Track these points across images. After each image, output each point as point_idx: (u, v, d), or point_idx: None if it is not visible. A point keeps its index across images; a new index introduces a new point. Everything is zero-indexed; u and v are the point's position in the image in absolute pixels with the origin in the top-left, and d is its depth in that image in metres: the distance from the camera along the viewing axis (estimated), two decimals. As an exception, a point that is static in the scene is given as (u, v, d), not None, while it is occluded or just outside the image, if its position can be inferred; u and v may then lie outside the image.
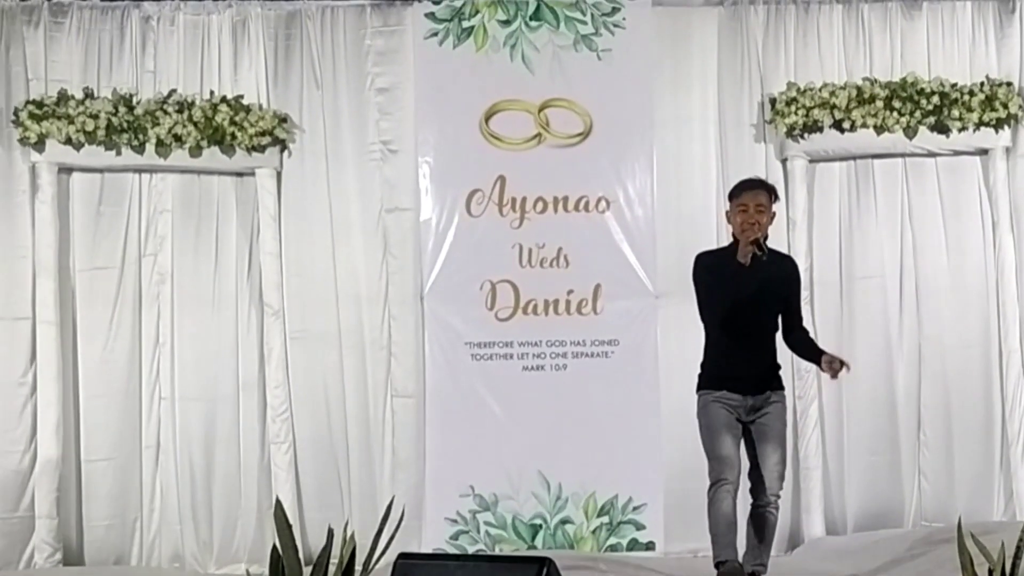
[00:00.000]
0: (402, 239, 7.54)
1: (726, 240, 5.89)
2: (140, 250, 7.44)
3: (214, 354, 7.44)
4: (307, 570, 4.61)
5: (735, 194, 5.60)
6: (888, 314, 7.63)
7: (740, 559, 5.44)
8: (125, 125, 7.28)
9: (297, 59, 7.59)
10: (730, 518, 5.36)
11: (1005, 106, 7.47)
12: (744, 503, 5.51)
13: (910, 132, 7.54)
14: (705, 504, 5.41)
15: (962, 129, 7.52)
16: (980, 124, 7.50)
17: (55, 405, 7.16)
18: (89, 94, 7.34)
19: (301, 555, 4.69)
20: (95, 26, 7.47)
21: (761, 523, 5.47)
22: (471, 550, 7.27)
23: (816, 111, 7.46)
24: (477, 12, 7.57)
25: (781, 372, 5.65)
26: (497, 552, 7.24)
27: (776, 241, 6.13)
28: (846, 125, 7.50)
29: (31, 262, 7.26)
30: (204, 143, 7.35)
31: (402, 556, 4.49)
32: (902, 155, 7.63)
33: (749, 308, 5.44)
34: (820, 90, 7.51)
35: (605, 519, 7.38)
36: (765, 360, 5.54)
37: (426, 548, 7.21)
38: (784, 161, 7.60)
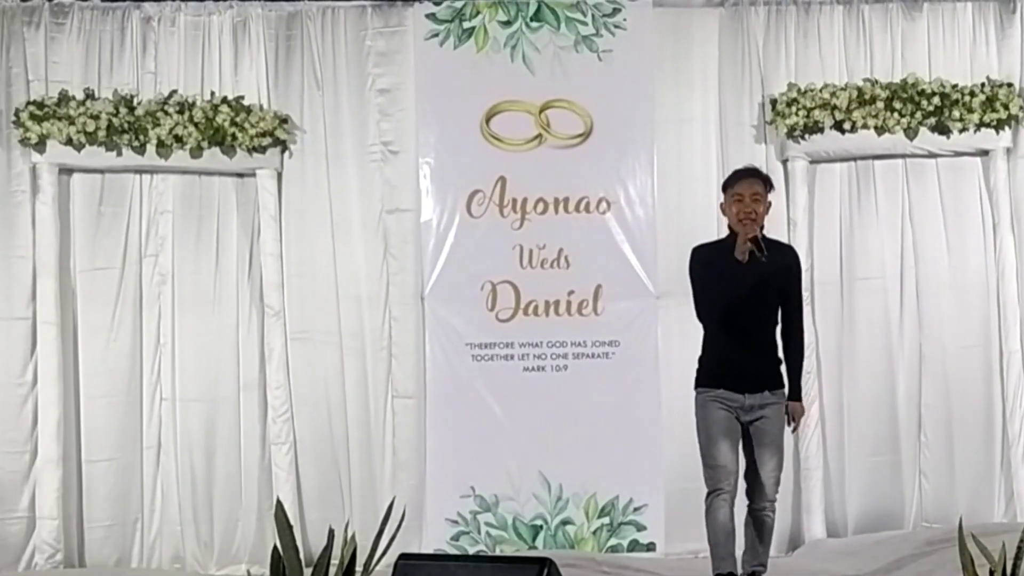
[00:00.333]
0: (403, 240, 7.55)
1: (726, 240, 5.87)
2: (141, 251, 7.44)
3: (215, 355, 7.44)
4: (308, 571, 4.61)
5: (729, 183, 5.53)
6: (889, 315, 7.63)
7: (739, 564, 5.42)
8: (126, 126, 7.28)
9: (298, 60, 7.59)
10: (728, 528, 5.31)
11: (1006, 107, 7.47)
12: (742, 503, 5.48)
13: (911, 133, 7.54)
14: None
15: (963, 130, 7.52)
16: (981, 125, 7.50)
17: (56, 405, 7.16)
18: (90, 95, 7.34)
19: (302, 556, 4.69)
20: (96, 27, 7.47)
21: (759, 525, 5.44)
22: (472, 551, 7.27)
23: (817, 112, 7.46)
24: (478, 13, 7.57)
25: (782, 373, 5.55)
26: (498, 553, 7.24)
27: (777, 242, 6.11)
28: (847, 126, 7.50)
29: (32, 262, 7.26)
30: (205, 144, 7.35)
31: (403, 557, 4.49)
32: (903, 156, 7.63)
33: (747, 305, 5.35)
34: (821, 91, 7.51)
35: (606, 520, 7.38)
36: (764, 357, 5.45)
37: (427, 549, 7.21)
38: (785, 162, 7.60)
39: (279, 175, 7.52)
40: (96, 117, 7.23)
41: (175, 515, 7.35)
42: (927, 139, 7.57)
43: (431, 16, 7.56)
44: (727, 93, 7.63)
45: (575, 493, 7.38)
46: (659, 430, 7.24)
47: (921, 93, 7.49)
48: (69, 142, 7.25)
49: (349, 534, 4.77)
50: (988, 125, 7.50)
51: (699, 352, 5.57)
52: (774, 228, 5.75)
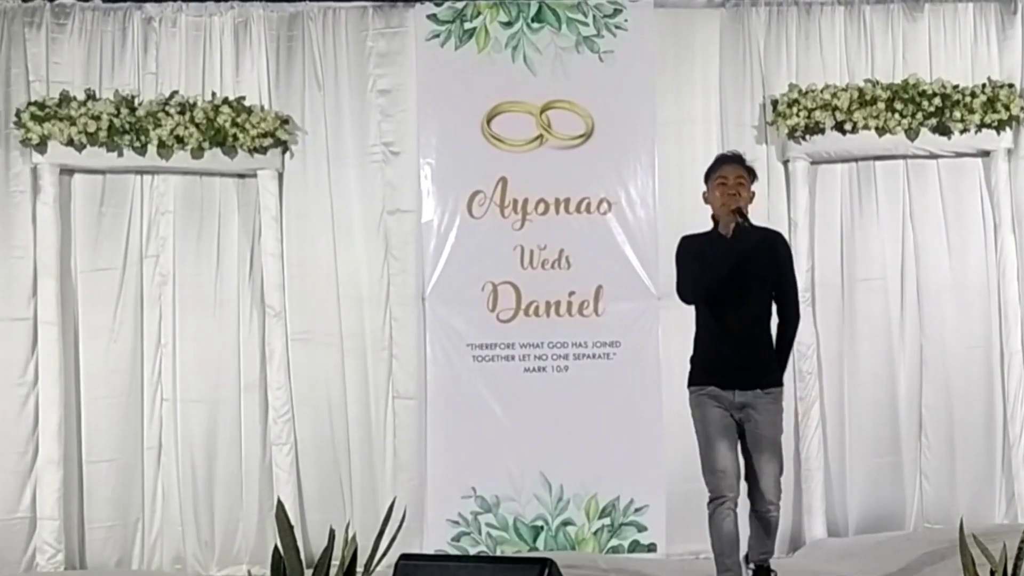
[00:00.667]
0: (404, 240, 7.55)
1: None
2: (142, 251, 7.44)
3: (216, 355, 7.44)
4: (308, 572, 4.62)
5: (712, 170, 5.45)
6: (890, 316, 7.62)
7: (743, 566, 5.40)
8: (127, 126, 7.29)
9: (299, 60, 7.59)
10: (732, 537, 5.24)
11: (1007, 108, 7.47)
12: (744, 501, 5.43)
13: (912, 134, 7.54)
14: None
15: (964, 131, 7.52)
16: (982, 126, 7.50)
17: (56, 406, 7.16)
18: (91, 95, 7.35)
19: (303, 556, 4.69)
20: (97, 27, 7.47)
21: (763, 523, 5.37)
22: (473, 551, 7.27)
23: (818, 113, 7.46)
24: (479, 14, 7.58)
25: (776, 369, 5.42)
26: (499, 553, 7.25)
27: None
28: (848, 127, 7.50)
29: (32, 263, 7.26)
30: (206, 144, 7.35)
31: (403, 557, 4.50)
32: (904, 157, 7.63)
33: (733, 285, 5.23)
34: (822, 92, 7.51)
35: (607, 521, 7.38)
36: (754, 349, 5.31)
37: (428, 549, 7.21)
38: (786, 163, 7.61)
39: (280, 176, 7.52)
40: (97, 118, 7.23)
41: (176, 516, 7.35)
42: (928, 140, 7.57)
43: (432, 17, 7.57)
44: (728, 94, 7.63)
45: (576, 494, 7.38)
46: (660, 431, 7.24)
47: (922, 94, 7.49)
48: (70, 143, 7.25)
49: (350, 535, 4.78)
50: (989, 126, 7.50)
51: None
52: (775, 228, 5.73)
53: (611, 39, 7.57)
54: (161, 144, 7.31)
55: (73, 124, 7.22)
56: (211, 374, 7.43)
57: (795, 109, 7.46)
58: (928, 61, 7.68)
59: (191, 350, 7.42)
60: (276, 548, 4.56)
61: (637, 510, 7.36)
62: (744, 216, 5.24)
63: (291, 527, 4.61)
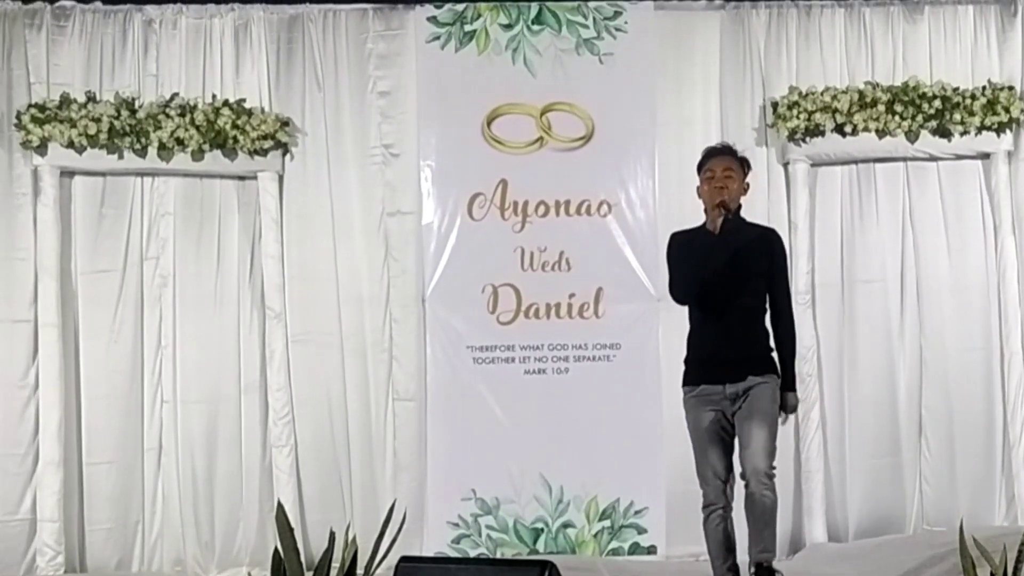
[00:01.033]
0: (404, 242, 7.55)
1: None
2: (142, 253, 7.44)
3: (216, 357, 7.44)
4: (309, 573, 4.62)
5: (701, 163, 5.36)
6: (889, 317, 7.62)
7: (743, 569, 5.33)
8: (127, 128, 7.29)
9: (299, 62, 7.59)
10: (727, 542, 5.17)
11: (1007, 110, 7.47)
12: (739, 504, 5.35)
13: (912, 136, 7.54)
14: None
15: (964, 133, 7.52)
16: (982, 128, 7.50)
17: (57, 407, 7.16)
18: (91, 97, 7.35)
19: (303, 558, 4.69)
20: (97, 29, 7.47)
21: (755, 507, 5.08)
22: (472, 554, 7.27)
23: (818, 115, 7.46)
24: (479, 16, 7.58)
25: (774, 361, 5.29)
26: (499, 556, 7.24)
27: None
28: (848, 129, 7.51)
29: (31, 265, 7.26)
30: (206, 146, 7.35)
31: (404, 560, 4.50)
32: (904, 159, 7.63)
33: (721, 281, 5.13)
34: (822, 94, 7.51)
35: (607, 523, 7.38)
36: (745, 341, 5.20)
37: (427, 552, 7.21)
38: (786, 165, 7.61)
39: (280, 178, 7.53)
40: (97, 120, 7.24)
41: (176, 517, 7.35)
42: (928, 142, 7.57)
43: (432, 19, 7.57)
44: (728, 96, 7.63)
45: (576, 496, 7.38)
46: (660, 433, 7.23)
47: (922, 96, 7.49)
48: (70, 145, 7.25)
49: (350, 536, 4.78)
50: (989, 128, 7.50)
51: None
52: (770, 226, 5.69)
53: (611, 41, 7.57)
54: (161, 146, 7.31)
55: (73, 126, 7.22)
56: (211, 375, 7.43)
57: (795, 111, 7.46)
58: (928, 63, 7.68)
59: (191, 351, 7.42)
60: (276, 550, 4.56)
61: (637, 512, 7.36)
62: (728, 209, 5.15)
63: (291, 529, 4.61)
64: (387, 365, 7.50)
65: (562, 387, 7.41)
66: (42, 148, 7.26)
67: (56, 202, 7.27)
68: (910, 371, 7.60)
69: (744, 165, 5.37)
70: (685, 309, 5.40)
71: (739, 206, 5.31)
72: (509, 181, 7.52)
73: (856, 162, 7.65)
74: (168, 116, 7.32)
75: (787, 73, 7.66)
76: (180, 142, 7.32)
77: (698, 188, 5.39)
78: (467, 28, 7.57)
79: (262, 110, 7.46)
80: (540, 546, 7.36)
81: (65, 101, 7.30)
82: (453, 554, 7.25)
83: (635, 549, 7.34)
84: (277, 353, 7.39)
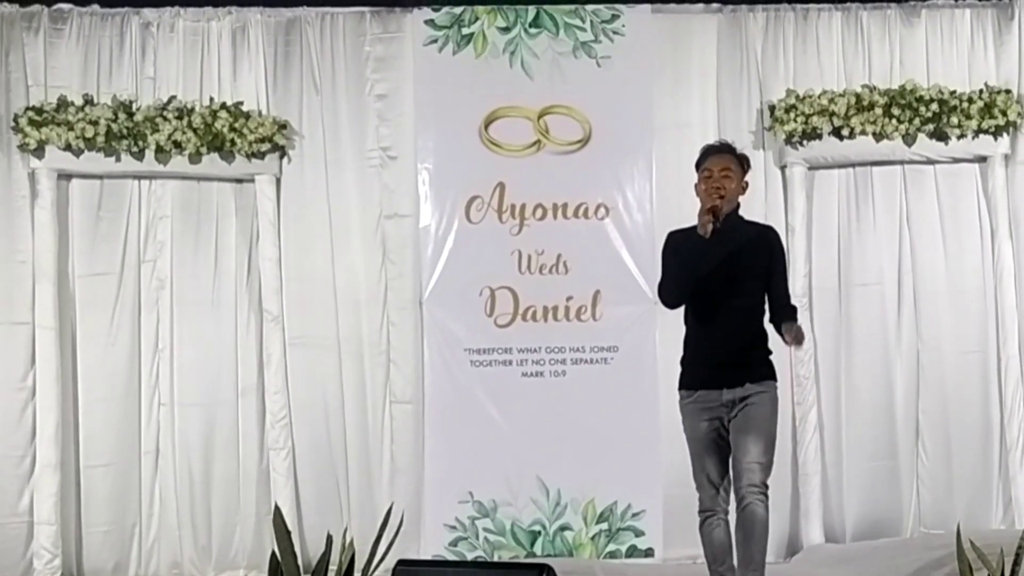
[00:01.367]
0: (401, 245, 7.55)
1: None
2: (139, 256, 7.44)
3: (213, 360, 7.43)
4: (306, 577, 4.62)
5: (699, 162, 5.23)
6: (887, 320, 7.63)
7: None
8: (125, 131, 7.29)
9: (297, 65, 7.59)
10: (723, 545, 5.07)
11: (1004, 113, 7.48)
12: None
13: (909, 139, 7.55)
14: None
15: (961, 136, 7.53)
16: (979, 131, 7.51)
17: (54, 410, 7.15)
18: (89, 100, 7.35)
19: (300, 561, 4.70)
20: (95, 32, 7.46)
21: (746, 522, 4.96)
22: (470, 556, 7.28)
23: (815, 118, 7.47)
24: (477, 19, 7.58)
25: (772, 365, 5.18)
26: (496, 559, 7.25)
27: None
28: (845, 132, 7.51)
29: (31, 267, 7.25)
30: (203, 149, 7.35)
31: (401, 563, 4.50)
32: (901, 162, 7.64)
33: (714, 284, 5.03)
34: (819, 97, 7.52)
35: (604, 525, 7.38)
36: (740, 346, 5.07)
37: (425, 555, 7.21)
38: (783, 168, 7.61)
39: (278, 180, 7.52)
40: (95, 123, 7.23)
41: (173, 520, 7.35)
42: (925, 145, 7.58)
43: (430, 22, 7.57)
44: (725, 99, 7.64)
45: (573, 498, 7.38)
46: (657, 435, 7.23)
47: (919, 99, 7.50)
48: (68, 148, 7.25)
49: (347, 540, 4.79)
50: (986, 131, 7.51)
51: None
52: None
53: (609, 44, 7.57)
54: (159, 149, 7.31)
55: (71, 129, 7.22)
56: (208, 378, 7.43)
57: (792, 114, 7.47)
58: (925, 66, 7.69)
59: (188, 354, 7.42)
60: (273, 553, 4.57)
61: (634, 515, 7.37)
62: (717, 217, 4.99)
63: (288, 532, 4.61)
64: (384, 368, 7.50)
65: (560, 390, 7.42)
66: (39, 151, 7.25)
67: (53, 205, 7.26)
68: (907, 374, 7.60)
69: (743, 163, 5.27)
70: (682, 312, 5.31)
71: (737, 205, 5.22)
72: (507, 184, 7.53)
73: (853, 165, 7.66)
74: (165, 119, 7.31)
75: (784, 76, 7.66)
76: (177, 145, 7.32)
77: (696, 185, 5.27)
78: (465, 31, 7.57)
79: (259, 113, 7.46)
80: (537, 549, 7.36)
81: (62, 104, 7.29)
82: (450, 557, 7.25)
83: (632, 552, 7.34)
84: (274, 356, 7.38)
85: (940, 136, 7.55)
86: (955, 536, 4.63)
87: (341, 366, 7.49)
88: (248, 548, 7.34)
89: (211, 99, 7.45)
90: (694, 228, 5.13)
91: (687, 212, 7.47)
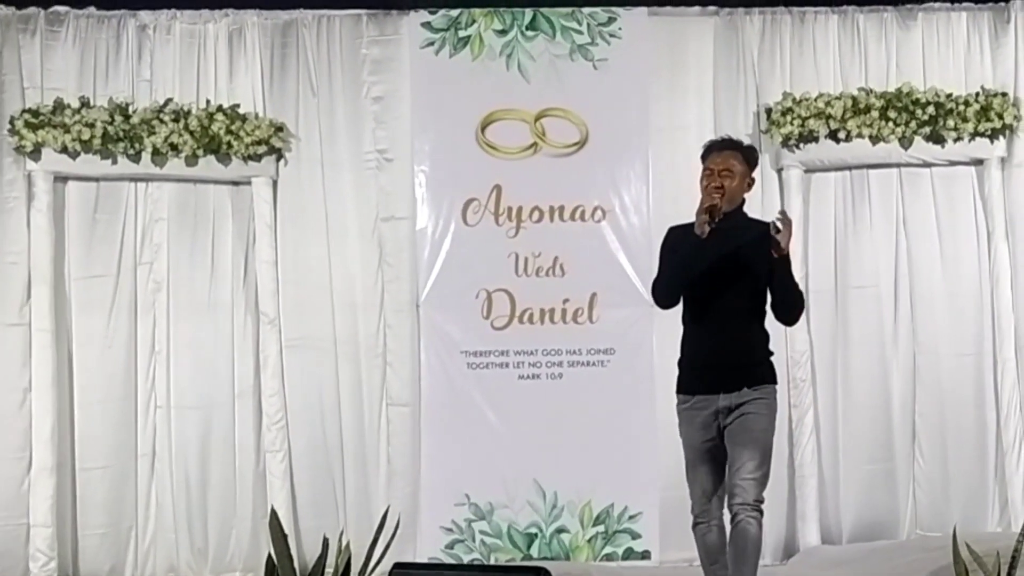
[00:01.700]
0: (398, 248, 7.54)
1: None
2: (136, 258, 7.44)
3: (210, 362, 7.43)
4: (302, 579, 4.62)
5: (703, 157, 5.07)
6: (883, 323, 7.63)
7: None
8: (121, 134, 7.28)
9: (293, 68, 7.59)
10: (718, 547, 4.92)
11: (1000, 116, 7.49)
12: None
13: (905, 142, 7.56)
14: None
15: (957, 139, 7.54)
16: (975, 134, 7.51)
17: (50, 413, 7.14)
18: (85, 103, 7.34)
19: (296, 564, 4.69)
20: (91, 35, 7.46)
21: (739, 539, 4.81)
22: (466, 559, 7.27)
23: (812, 121, 7.47)
24: (473, 21, 7.59)
25: (773, 368, 5.02)
26: (492, 561, 7.24)
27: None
28: (841, 135, 7.52)
29: (26, 269, 7.25)
30: (200, 152, 7.35)
31: (397, 565, 4.49)
32: (897, 165, 7.64)
33: (711, 285, 4.88)
34: (816, 100, 7.52)
35: (601, 528, 7.38)
36: (738, 349, 4.91)
37: (421, 557, 7.20)
38: (780, 171, 7.62)
39: (274, 183, 7.52)
40: (91, 125, 7.23)
41: (169, 523, 7.34)
42: (922, 148, 7.58)
43: (426, 25, 7.57)
44: (722, 102, 7.64)
45: (570, 501, 7.38)
46: (654, 438, 7.23)
47: (916, 102, 7.51)
48: (64, 150, 7.25)
49: (343, 542, 4.78)
50: (982, 134, 7.51)
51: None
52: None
53: (605, 47, 7.58)
54: (155, 151, 7.30)
55: (67, 131, 7.21)
56: (205, 381, 7.42)
57: (789, 117, 7.48)
58: (922, 69, 7.69)
59: (185, 357, 7.42)
60: (270, 556, 4.56)
61: (631, 517, 7.37)
62: (713, 217, 4.81)
63: (284, 535, 4.61)
64: (381, 370, 7.50)
65: (556, 392, 7.42)
66: (36, 153, 7.25)
67: (50, 207, 7.26)
68: (903, 377, 7.60)
69: (749, 158, 5.08)
70: (679, 315, 5.19)
71: (742, 202, 5.04)
72: (503, 187, 7.53)
73: (850, 168, 7.66)
74: (162, 121, 7.31)
75: (781, 79, 7.67)
76: (174, 147, 7.31)
77: (700, 180, 5.05)
78: (461, 34, 7.57)
79: (256, 115, 7.46)
80: (534, 551, 7.36)
81: (59, 106, 7.29)
82: (447, 560, 7.25)
83: (629, 554, 7.34)
84: (271, 358, 7.38)
85: (936, 139, 7.56)
86: (951, 538, 4.63)
87: (338, 368, 7.49)
88: (244, 551, 7.34)
89: (207, 101, 7.45)
90: (694, 225, 4.95)
91: (684, 214, 7.45)
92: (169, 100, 7.41)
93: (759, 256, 4.89)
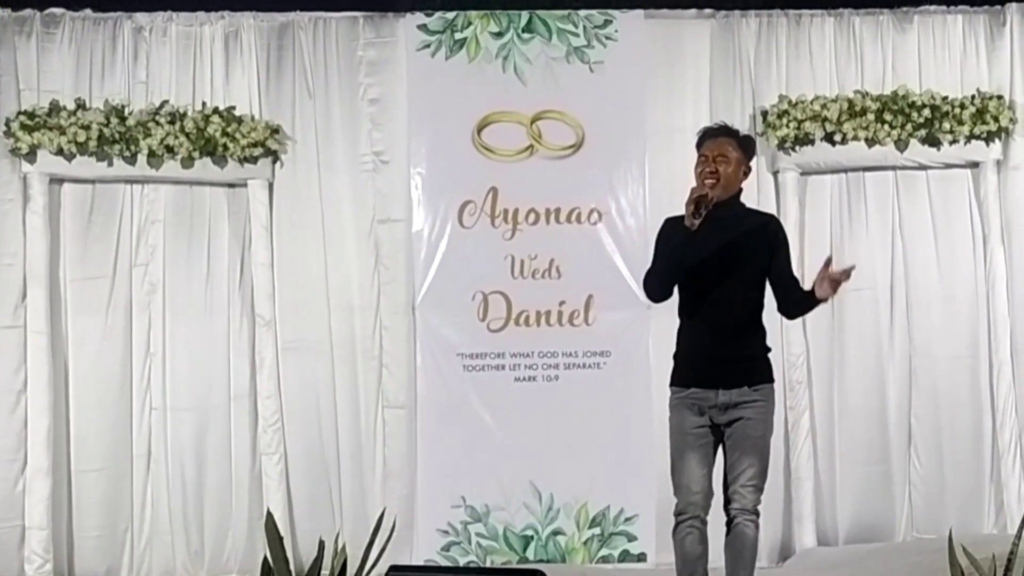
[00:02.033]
0: (394, 250, 7.54)
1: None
2: (131, 260, 7.43)
3: (206, 364, 7.42)
4: (298, 582, 4.61)
5: (698, 144, 4.94)
6: (879, 326, 7.63)
7: None
8: (117, 136, 7.28)
9: (289, 70, 7.59)
10: (694, 554, 4.74)
11: (996, 119, 7.49)
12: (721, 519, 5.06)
13: (901, 145, 7.56)
14: None
15: (953, 142, 7.54)
16: (971, 137, 7.52)
17: (45, 414, 7.14)
18: (81, 105, 7.33)
19: (292, 566, 4.69)
20: (87, 37, 7.45)
21: (737, 543, 4.76)
22: (462, 561, 7.27)
23: (808, 124, 7.47)
24: (469, 24, 7.58)
25: (770, 364, 4.93)
26: (488, 563, 7.24)
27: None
28: (837, 138, 7.52)
29: (21, 271, 7.24)
30: (196, 154, 7.34)
31: (393, 568, 4.49)
32: (893, 168, 7.64)
33: (706, 277, 4.73)
34: (812, 103, 7.53)
35: (597, 530, 7.37)
36: (740, 344, 4.79)
37: (417, 560, 7.21)
38: (776, 174, 7.62)
39: (270, 185, 7.52)
40: (87, 127, 7.22)
41: (165, 525, 7.33)
42: (918, 151, 7.58)
43: (423, 27, 7.57)
44: (718, 104, 7.64)
45: (566, 503, 7.38)
46: (650, 440, 7.21)
47: (911, 105, 7.51)
48: (60, 152, 7.24)
49: (339, 545, 4.78)
50: (978, 137, 7.52)
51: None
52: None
53: (601, 49, 7.58)
54: (151, 153, 7.30)
55: (63, 133, 7.21)
56: (201, 383, 7.42)
57: (785, 120, 7.48)
58: (918, 72, 7.69)
59: (181, 359, 7.41)
60: (265, 558, 4.56)
61: (627, 519, 7.36)
62: (702, 208, 4.61)
63: (280, 537, 4.61)
64: (377, 373, 7.50)
65: (552, 395, 7.41)
66: (31, 155, 7.24)
67: (45, 209, 7.25)
68: (899, 379, 7.61)
69: (745, 146, 4.95)
70: (675, 317, 5.10)
71: (739, 191, 4.93)
72: (499, 189, 7.53)
73: (846, 171, 7.66)
74: (158, 123, 7.31)
75: (777, 82, 7.67)
76: (170, 149, 7.31)
77: (694, 168, 4.93)
78: (457, 36, 7.57)
79: (252, 117, 7.46)
80: (530, 554, 7.35)
81: (55, 108, 7.28)
82: (443, 562, 7.24)
83: (625, 556, 7.34)
84: (267, 361, 7.37)
85: (932, 142, 7.56)
86: (947, 541, 4.63)
87: (334, 371, 7.48)
88: (240, 553, 7.33)
89: (204, 103, 7.45)
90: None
91: (680, 217, 7.52)
92: (165, 102, 7.40)
93: (756, 248, 4.81)
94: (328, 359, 7.48)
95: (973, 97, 7.56)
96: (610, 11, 7.60)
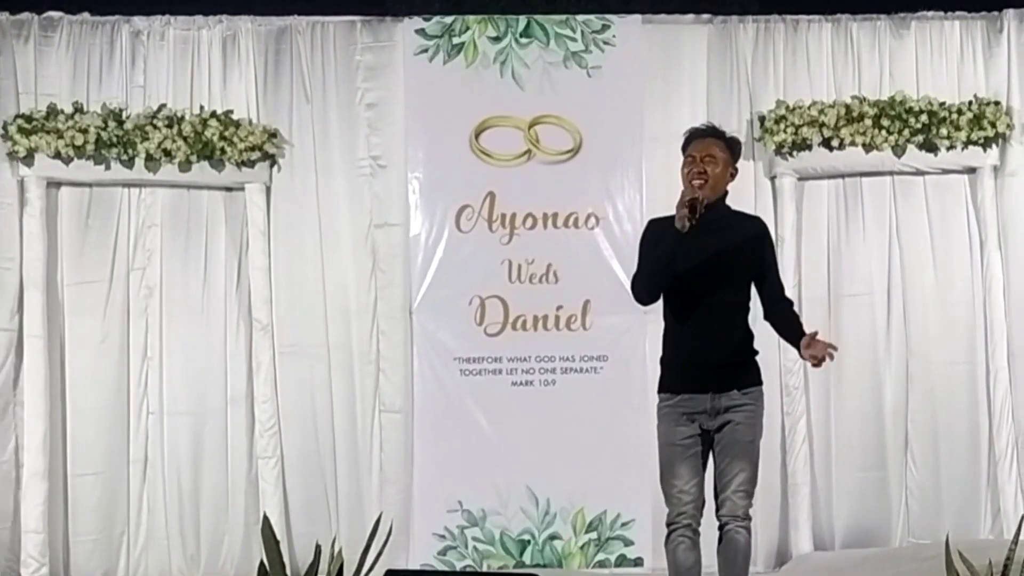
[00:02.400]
0: (391, 254, 7.54)
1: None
2: (129, 264, 7.43)
3: (202, 368, 7.42)
4: (294, 586, 4.61)
5: (684, 146, 4.88)
6: (876, 331, 7.64)
7: None
8: (114, 139, 7.28)
9: (287, 74, 7.59)
10: (686, 564, 4.69)
11: (993, 125, 7.50)
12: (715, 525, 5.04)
13: (898, 150, 7.57)
14: None
15: (950, 148, 7.55)
16: (968, 143, 7.52)
17: (42, 418, 7.13)
18: (78, 108, 7.34)
19: (288, 571, 4.68)
20: (85, 40, 7.46)
21: (729, 549, 4.73)
22: (459, 566, 7.27)
23: (805, 129, 7.48)
24: (467, 28, 7.59)
25: (758, 367, 4.88)
26: (485, 568, 7.24)
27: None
28: (835, 143, 7.53)
29: (18, 275, 7.24)
30: (193, 158, 7.35)
31: (390, 572, 4.50)
32: (890, 173, 7.65)
33: (695, 280, 4.68)
34: (809, 108, 7.54)
35: (593, 535, 7.37)
36: (724, 347, 4.74)
37: (414, 564, 7.20)
38: (773, 179, 7.63)
39: (268, 189, 7.52)
40: (85, 131, 7.22)
41: (161, 529, 7.33)
42: (915, 156, 7.59)
43: (421, 31, 7.58)
44: (715, 109, 7.63)
45: (563, 508, 7.37)
46: (647, 445, 7.07)
47: (909, 111, 7.52)
48: (57, 155, 7.24)
49: (336, 549, 4.77)
50: (975, 143, 7.52)
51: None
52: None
53: (599, 54, 7.58)
54: (149, 157, 7.30)
55: (60, 137, 7.21)
56: (197, 387, 7.42)
57: (782, 125, 7.48)
58: (915, 78, 7.70)
59: (178, 363, 7.41)
60: (262, 562, 4.55)
61: (624, 524, 7.36)
62: (694, 211, 4.56)
63: (277, 541, 4.60)
64: (374, 377, 7.50)
65: (549, 399, 7.42)
66: (29, 159, 7.24)
67: (43, 213, 7.25)
68: (896, 385, 7.61)
69: (732, 148, 4.89)
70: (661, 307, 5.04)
71: (725, 193, 4.86)
72: (497, 193, 7.53)
73: (843, 176, 7.67)
74: (155, 127, 7.31)
75: (774, 87, 7.68)
76: (167, 153, 7.31)
77: (681, 170, 4.87)
78: (455, 41, 7.58)
79: (250, 121, 7.46)
80: (527, 558, 7.35)
81: (52, 112, 7.28)
82: (439, 566, 7.24)
83: (621, 561, 7.34)
84: (264, 365, 7.37)
85: (929, 147, 7.57)
86: (944, 546, 4.63)
87: (330, 375, 7.48)
88: (236, 557, 7.33)
89: (201, 107, 7.45)
90: (674, 218, 4.69)
91: (677, 222, 7.52)
92: (163, 106, 7.40)
93: (744, 251, 4.78)
94: (325, 363, 7.48)
95: (970, 103, 7.57)
96: (608, 16, 7.61)
